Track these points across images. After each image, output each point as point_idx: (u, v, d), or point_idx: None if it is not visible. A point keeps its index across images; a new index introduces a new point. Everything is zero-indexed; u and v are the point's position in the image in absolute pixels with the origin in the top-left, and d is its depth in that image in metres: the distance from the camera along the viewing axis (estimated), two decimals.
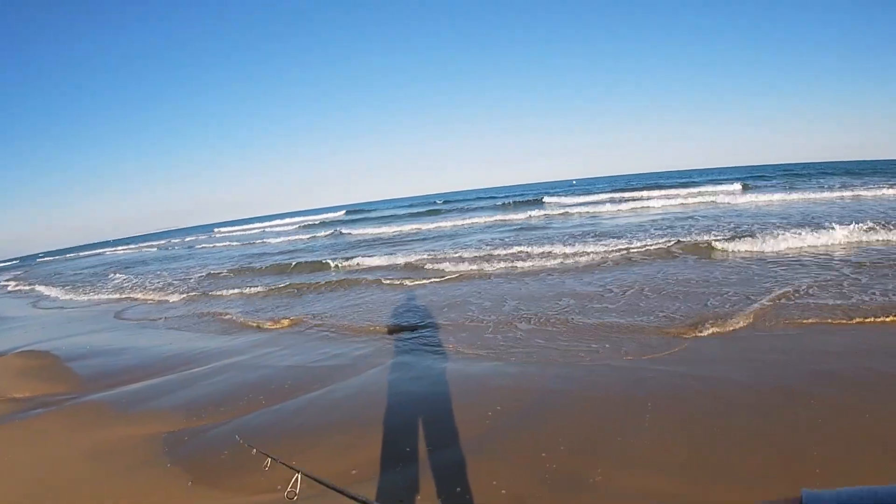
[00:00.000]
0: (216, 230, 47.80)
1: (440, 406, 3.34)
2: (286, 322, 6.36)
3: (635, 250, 7.94)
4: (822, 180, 21.06)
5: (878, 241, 7.05)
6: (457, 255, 9.64)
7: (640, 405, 3.03)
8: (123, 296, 11.32)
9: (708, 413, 2.87)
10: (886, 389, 2.95)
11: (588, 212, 17.64)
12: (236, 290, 9.20)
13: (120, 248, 41.32)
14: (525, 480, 2.43)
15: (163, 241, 39.33)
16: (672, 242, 8.07)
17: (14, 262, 59.58)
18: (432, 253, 10.39)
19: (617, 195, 23.20)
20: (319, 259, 12.04)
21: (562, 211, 18.69)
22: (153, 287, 11.60)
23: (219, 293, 9.30)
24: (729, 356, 3.67)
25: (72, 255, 45.84)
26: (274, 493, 2.59)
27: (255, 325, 6.53)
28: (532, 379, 3.64)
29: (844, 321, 4.09)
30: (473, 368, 3.99)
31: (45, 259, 47.58)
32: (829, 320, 4.13)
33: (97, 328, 7.85)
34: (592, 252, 8.19)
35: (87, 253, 42.50)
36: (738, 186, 20.78)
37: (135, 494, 2.74)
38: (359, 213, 40.24)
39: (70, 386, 4.78)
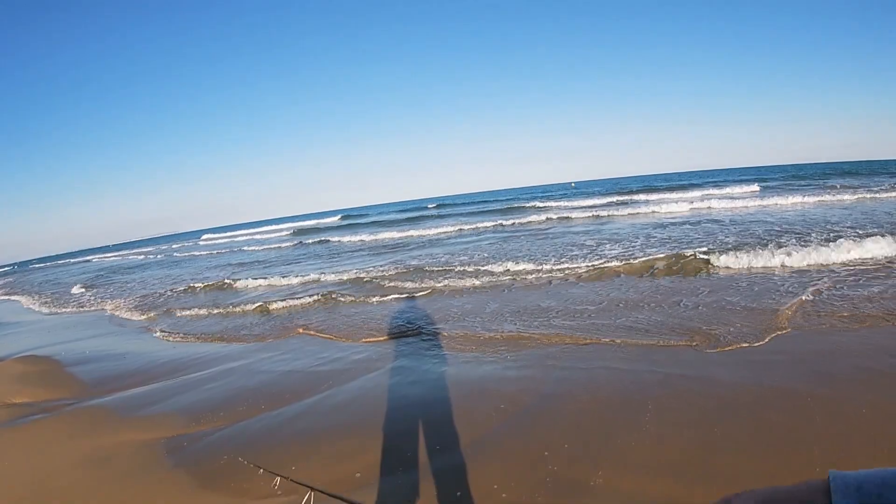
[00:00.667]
0: (203, 237, 47.63)
1: (440, 409, 3.34)
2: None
3: (638, 259, 7.71)
4: (826, 181, 20.98)
5: None
6: (450, 264, 9.51)
7: (640, 407, 3.05)
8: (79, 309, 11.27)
9: (708, 414, 2.89)
10: (885, 388, 2.98)
11: (588, 216, 17.15)
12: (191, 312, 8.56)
13: (109, 254, 41.54)
14: (526, 484, 2.44)
15: (151, 248, 39.23)
16: (677, 251, 7.81)
17: (8, 268, 59.05)
18: (424, 261, 10.28)
19: (616, 199, 22.92)
20: (294, 271, 11.56)
21: (561, 215, 18.24)
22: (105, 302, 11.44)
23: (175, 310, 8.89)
24: (728, 359, 3.69)
25: (62, 261, 45.56)
26: (275, 498, 2.59)
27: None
28: (532, 382, 3.65)
29: (847, 326, 4.11)
30: (472, 372, 4.00)
31: (39, 266, 47.31)
32: (828, 325, 4.18)
33: (97, 333, 7.81)
34: (591, 262, 7.93)
35: (76, 260, 42.31)
36: (754, 188, 20.56)
37: (134, 499, 2.73)
38: (352, 217, 40.31)
39: (69, 391, 4.76)
